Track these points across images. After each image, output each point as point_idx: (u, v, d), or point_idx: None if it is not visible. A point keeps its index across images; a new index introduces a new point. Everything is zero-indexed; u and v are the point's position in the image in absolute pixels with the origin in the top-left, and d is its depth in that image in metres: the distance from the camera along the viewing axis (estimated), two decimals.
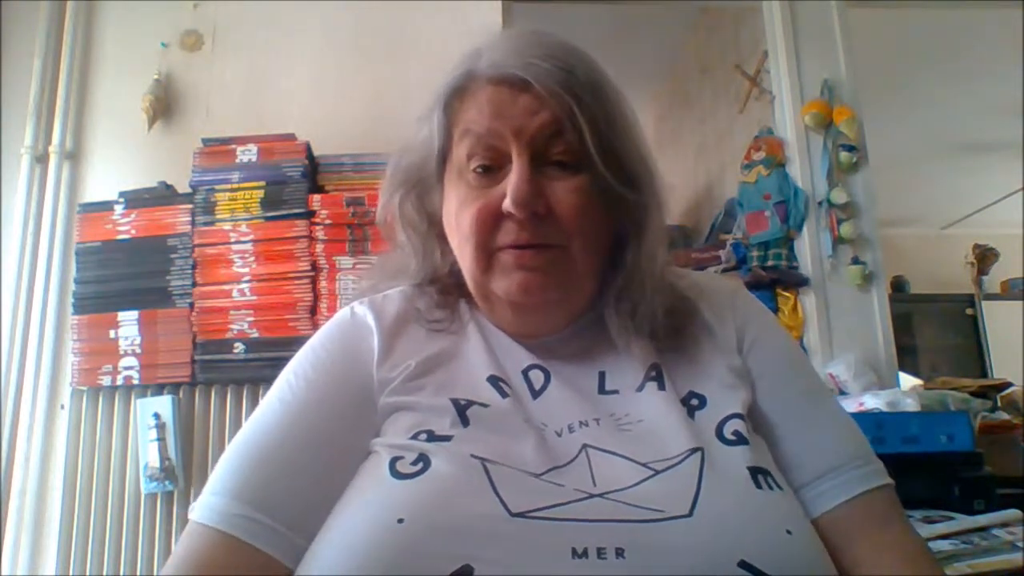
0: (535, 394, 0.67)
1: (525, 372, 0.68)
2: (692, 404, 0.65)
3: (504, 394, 0.65)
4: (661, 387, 0.66)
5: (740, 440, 0.61)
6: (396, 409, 0.65)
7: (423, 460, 0.58)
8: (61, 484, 1.86)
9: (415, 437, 0.61)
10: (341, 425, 0.65)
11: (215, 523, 0.58)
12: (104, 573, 1.79)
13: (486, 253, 0.66)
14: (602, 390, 0.67)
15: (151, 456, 1.82)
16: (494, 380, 0.66)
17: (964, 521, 1.17)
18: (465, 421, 0.62)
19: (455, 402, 0.64)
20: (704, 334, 0.70)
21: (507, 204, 0.63)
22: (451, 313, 0.73)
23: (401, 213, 0.74)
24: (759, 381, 0.68)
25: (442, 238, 0.73)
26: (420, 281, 0.75)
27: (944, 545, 1.09)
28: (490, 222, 0.65)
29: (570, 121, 0.64)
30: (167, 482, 1.81)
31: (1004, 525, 1.15)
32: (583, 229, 0.65)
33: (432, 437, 0.61)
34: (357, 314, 0.72)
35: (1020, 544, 1.09)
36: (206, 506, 0.59)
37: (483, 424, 0.62)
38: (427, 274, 0.75)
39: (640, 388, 0.66)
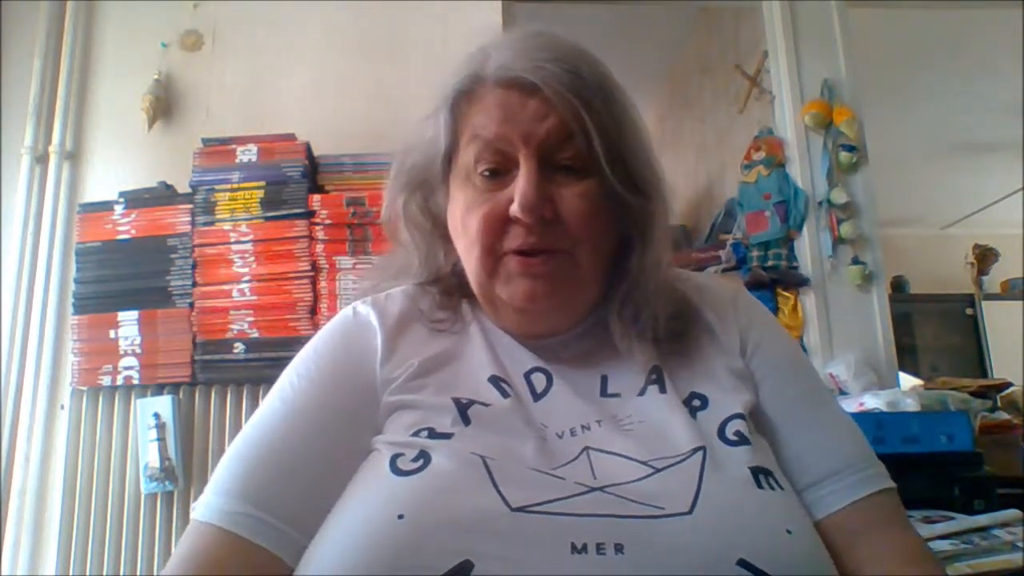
0: (536, 396, 0.67)
1: (527, 375, 0.68)
2: (694, 405, 0.65)
3: (506, 394, 0.65)
4: (662, 390, 0.66)
5: (742, 440, 0.61)
6: (398, 408, 0.65)
7: (424, 457, 0.58)
8: (61, 484, 1.86)
9: (416, 434, 0.61)
10: (343, 423, 0.65)
11: (217, 521, 0.58)
12: (104, 573, 1.79)
13: (493, 257, 0.66)
14: (604, 393, 0.67)
15: (151, 456, 1.82)
16: (495, 380, 0.66)
17: (964, 521, 1.17)
18: (466, 420, 0.62)
19: (456, 401, 0.64)
20: (706, 336, 0.70)
21: (514, 209, 0.63)
22: (453, 313, 0.73)
23: (406, 213, 0.74)
24: (762, 384, 0.68)
25: (446, 239, 0.72)
26: (423, 281, 0.75)
27: (944, 545, 1.09)
28: (497, 226, 0.65)
29: (579, 126, 0.63)
30: (167, 482, 1.81)
31: (1004, 525, 1.15)
32: (589, 234, 0.65)
33: (433, 435, 0.61)
34: (360, 313, 0.72)
35: (1020, 544, 1.09)
36: (208, 505, 0.59)
37: (484, 423, 0.62)
38: (430, 274, 0.75)
39: (642, 392, 0.66)
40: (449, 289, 0.74)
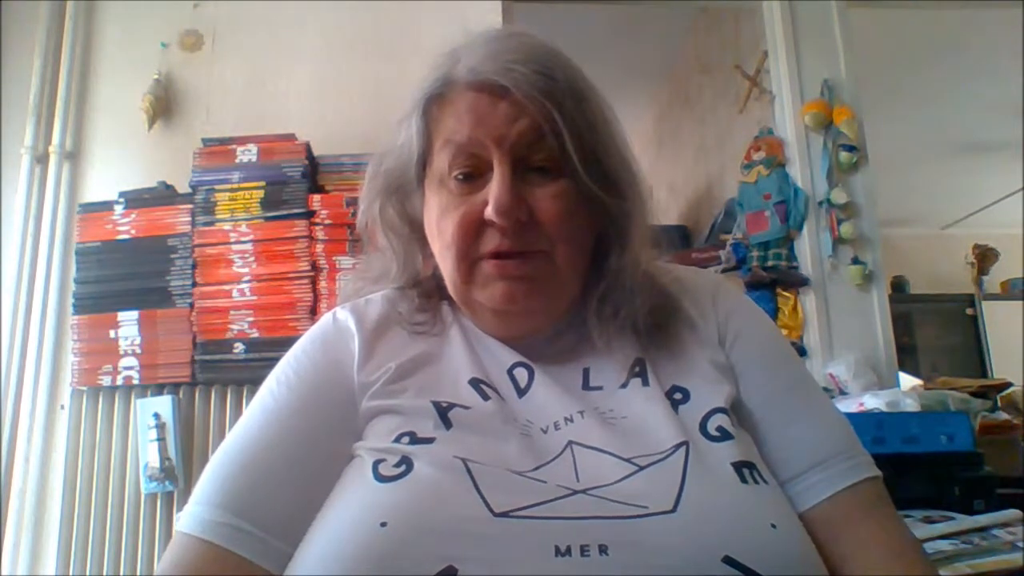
0: (521, 392, 0.67)
1: (510, 371, 0.68)
2: (675, 398, 0.65)
3: (486, 397, 0.65)
4: (645, 383, 0.66)
5: (724, 436, 0.61)
6: (378, 412, 0.65)
7: (406, 463, 0.58)
8: (61, 484, 1.86)
9: (398, 440, 0.61)
10: (324, 430, 0.64)
11: (199, 532, 0.58)
12: (104, 573, 1.79)
13: (468, 262, 0.66)
14: (586, 386, 0.67)
15: (151, 456, 1.82)
16: (475, 383, 0.66)
17: (964, 521, 1.17)
18: (447, 423, 0.62)
19: (436, 404, 0.63)
20: (687, 329, 0.70)
21: (489, 212, 0.63)
22: (433, 316, 0.72)
23: (382, 218, 0.74)
24: (742, 375, 0.68)
25: (424, 241, 0.73)
26: (402, 284, 0.75)
27: (944, 545, 1.09)
28: (472, 230, 0.65)
29: (550, 127, 0.63)
30: (167, 482, 1.81)
31: (1004, 525, 1.15)
32: (566, 235, 0.65)
33: (414, 440, 0.60)
34: (339, 319, 0.72)
35: (1020, 544, 1.09)
36: (190, 515, 0.59)
37: (465, 426, 0.62)
38: (409, 277, 0.75)
39: (624, 385, 0.66)
40: (429, 292, 0.74)
